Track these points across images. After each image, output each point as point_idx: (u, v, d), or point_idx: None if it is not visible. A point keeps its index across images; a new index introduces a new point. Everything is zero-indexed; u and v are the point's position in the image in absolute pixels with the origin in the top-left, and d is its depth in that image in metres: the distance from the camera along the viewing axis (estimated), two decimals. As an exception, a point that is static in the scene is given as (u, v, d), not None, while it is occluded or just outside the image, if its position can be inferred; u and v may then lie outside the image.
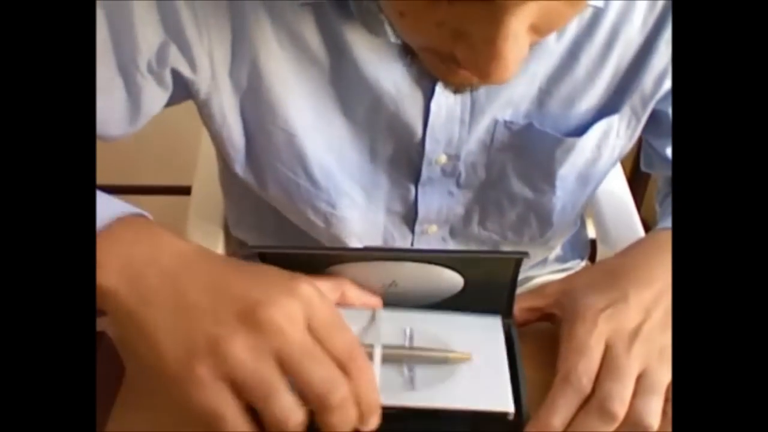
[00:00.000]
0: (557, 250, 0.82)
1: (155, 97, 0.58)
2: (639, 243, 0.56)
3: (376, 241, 0.70)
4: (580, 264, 0.85)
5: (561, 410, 0.47)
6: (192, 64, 0.55)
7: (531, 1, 0.37)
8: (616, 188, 0.88)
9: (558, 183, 0.64)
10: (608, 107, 0.61)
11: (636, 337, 0.48)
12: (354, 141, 0.61)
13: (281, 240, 0.76)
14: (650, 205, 1.45)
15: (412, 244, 0.70)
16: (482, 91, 0.58)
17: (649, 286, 0.50)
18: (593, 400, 0.47)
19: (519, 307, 0.53)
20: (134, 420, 0.51)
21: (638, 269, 0.52)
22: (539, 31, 0.41)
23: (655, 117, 0.63)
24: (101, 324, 0.47)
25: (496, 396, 0.48)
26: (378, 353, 0.48)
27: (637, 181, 1.34)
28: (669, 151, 0.67)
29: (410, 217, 0.68)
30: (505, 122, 0.60)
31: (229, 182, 0.77)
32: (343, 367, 0.42)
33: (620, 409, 0.46)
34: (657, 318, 0.49)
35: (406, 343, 0.50)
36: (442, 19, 0.40)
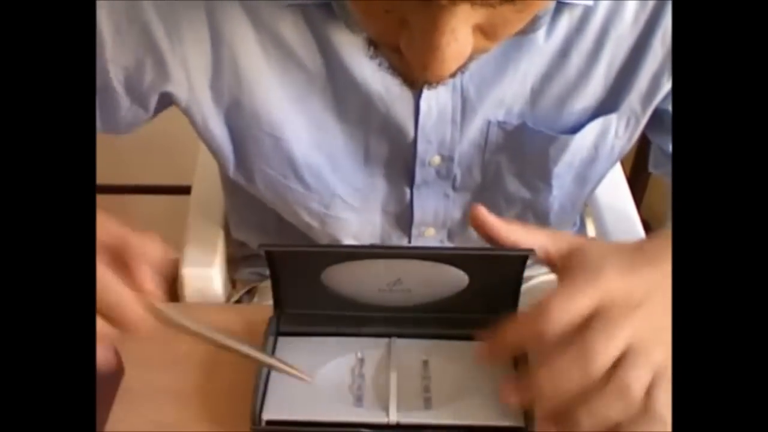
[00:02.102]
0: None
1: (135, 115, 0.59)
2: (658, 233, 0.53)
3: (373, 242, 0.70)
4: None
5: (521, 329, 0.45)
6: (167, 77, 0.56)
7: (465, 3, 0.36)
8: (616, 188, 0.88)
9: (554, 182, 0.64)
10: (605, 107, 0.61)
11: (636, 310, 0.45)
12: (347, 143, 0.61)
13: (282, 240, 0.76)
14: (650, 206, 1.46)
15: None
16: (472, 91, 0.58)
17: (661, 266, 0.47)
18: (576, 337, 0.43)
19: (532, 241, 0.50)
20: (135, 420, 0.51)
21: (655, 251, 0.49)
22: (487, 34, 0.41)
23: (657, 116, 0.63)
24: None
25: (507, 412, 0.49)
26: (393, 378, 0.50)
27: (637, 181, 1.35)
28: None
29: (406, 220, 0.68)
30: (499, 123, 0.60)
31: (230, 182, 0.77)
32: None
33: (601, 356, 0.42)
34: (661, 298, 0.46)
35: (422, 370, 0.52)
36: (389, 6, 0.40)
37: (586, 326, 0.43)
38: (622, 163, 0.88)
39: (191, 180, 0.90)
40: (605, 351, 0.43)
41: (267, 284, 0.82)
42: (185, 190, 0.90)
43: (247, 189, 0.66)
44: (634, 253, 0.48)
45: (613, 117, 0.61)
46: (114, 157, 0.80)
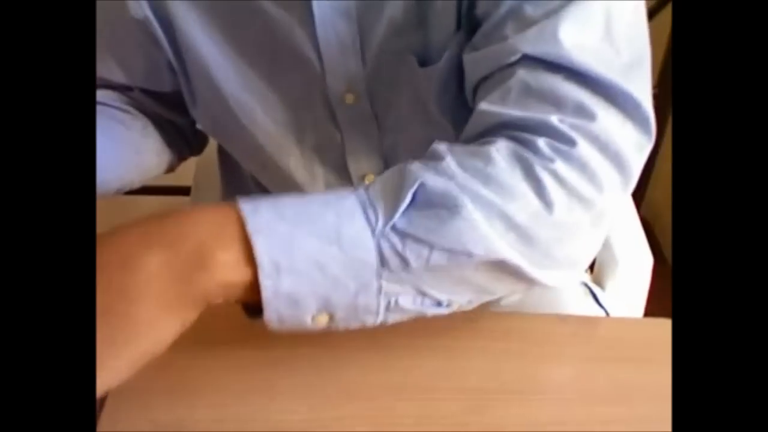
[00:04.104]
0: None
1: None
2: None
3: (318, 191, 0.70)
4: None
5: None
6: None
7: None
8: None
9: (449, 117, 0.62)
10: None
11: None
12: (269, 85, 0.63)
13: None
14: (650, 205, 1.46)
15: None
16: (364, 16, 0.58)
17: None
18: None
19: None
20: (134, 419, 0.51)
21: None
22: None
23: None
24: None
25: None
26: None
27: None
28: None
29: (344, 168, 0.68)
30: (393, 53, 0.60)
31: (223, 159, 0.79)
32: None
33: None
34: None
35: None
36: None
37: None
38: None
39: (190, 180, 0.90)
40: None
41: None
42: (185, 191, 0.90)
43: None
44: None
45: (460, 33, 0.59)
46: (113, 158, 0.80)
